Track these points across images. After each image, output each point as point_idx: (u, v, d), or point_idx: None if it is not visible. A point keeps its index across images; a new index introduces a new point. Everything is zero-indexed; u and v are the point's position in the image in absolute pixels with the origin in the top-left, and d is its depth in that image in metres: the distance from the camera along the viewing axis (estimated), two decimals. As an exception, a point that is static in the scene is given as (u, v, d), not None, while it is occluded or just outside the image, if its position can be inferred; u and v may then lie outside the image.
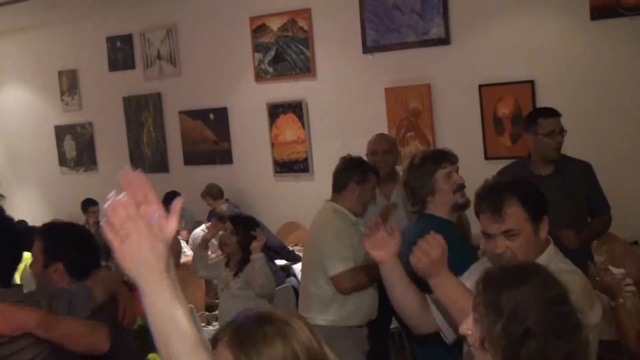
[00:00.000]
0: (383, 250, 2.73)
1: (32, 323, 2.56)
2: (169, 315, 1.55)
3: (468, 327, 1.98)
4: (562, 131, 4.68)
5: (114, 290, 3.04)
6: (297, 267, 6.92)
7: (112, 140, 10.47)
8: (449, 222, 3.56)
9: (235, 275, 5.05)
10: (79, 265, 3.05)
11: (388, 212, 4.63)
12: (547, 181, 4.69)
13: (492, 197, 2.60)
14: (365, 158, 5.02)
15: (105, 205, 1.58)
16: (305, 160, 8.51)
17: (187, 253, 7.43)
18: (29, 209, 10.73)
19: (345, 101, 8.13)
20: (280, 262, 7.06)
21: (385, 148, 5.25)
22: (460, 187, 3.55)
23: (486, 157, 7.16)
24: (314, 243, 4.45)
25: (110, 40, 10.22)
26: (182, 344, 1.55)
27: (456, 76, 7.34)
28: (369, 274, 4.17)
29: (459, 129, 7.39)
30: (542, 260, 2.51)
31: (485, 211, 2.59)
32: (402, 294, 2.79)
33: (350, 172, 4.38)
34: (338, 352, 4.12)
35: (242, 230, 5.08)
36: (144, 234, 1.55)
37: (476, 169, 2.90)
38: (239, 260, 5.06)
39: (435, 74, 7.48)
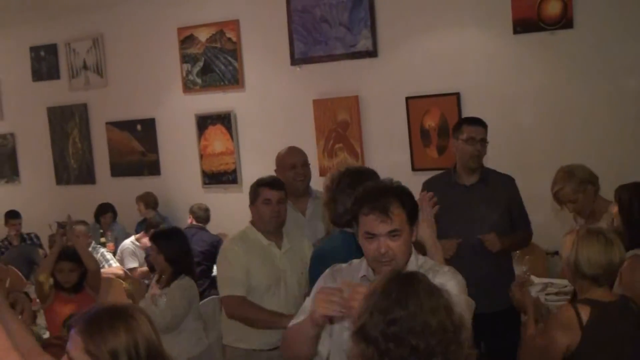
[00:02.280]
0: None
1: None
2: None
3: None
4: (482, 141, 4.75)
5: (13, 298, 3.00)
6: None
7: (35, 151, 10.26)
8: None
9: (164, 287, 4.96)
10: None
11: None
12: (471, 190, 4.79)
13: (378, 198, 2.69)
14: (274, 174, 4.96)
15: None
16: (234, 171, 8.49)
17: (113, 265, 7.34)
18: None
19: (274, 113, 8.15)
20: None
21: (304, 160, 5.14)
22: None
23: (413, 169, 7.25)
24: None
25: (34, 49, 10.04)
26: None
27: (384, 88, 7.43)
28: (260, 316, 4.19)
29: (386, 140, 7.47)
30: (413, 260, 2.78)
31: (373, 212, 2.67)
32: (312, 349, 2.70)
33: (249, 197, 4.43)
34: None
35: (165, 246, 5.01)
36: None
37: (403, 180, 2.94)
38: (169, 276, 4.99)
39: (363, 86, 7.55)
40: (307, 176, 5.11)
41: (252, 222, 4.41)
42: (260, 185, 4.37)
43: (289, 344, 2.78)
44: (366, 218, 2.69)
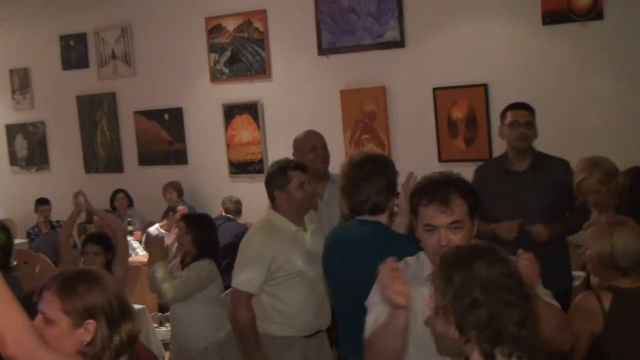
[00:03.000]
0: (402, 295, 2.41)
1: None
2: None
3: (428, 300, 2.19)
4: (528, 124, 4.71)
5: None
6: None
7: (65, 140, 10.35)
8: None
9: (184, 268, 5.00)
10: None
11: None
12: (522, 177, 4.73)
13: (439, 189, 2.63)
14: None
15: None
16: (261, 161, 8.51)
17: (140, 253, 7.40)
18: (-21, 209, 10.57)
19: (301, 103, 8.15)
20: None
21: (323, 144, 5.09)
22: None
23: (440, 160, 7.22)
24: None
25: (64, 38, 10.11)
26: (2, 306, 2.01)
27: (411, 79, 7.40)
28: (245, 332, 4.09)
29: (413, 131, 7.45)
30: None
31: (432, 202, 2.61)
32: (403, 342, 2.55)
33: (270, 181, 4.19)
34: None
35: (195, 228, 5.04)
36: None
37: (430, 171, 2.93)
38: (192, 258, 5.02)
39: (390, 76, 7.53)
40: (327, 158, 5.05)
41: (276, 208, 4.19)
42: (292, 168, 4.16)
43: (379, 344, 2.61)
44: (426, 209, 2.63)
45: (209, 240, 5.09)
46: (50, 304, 2.17)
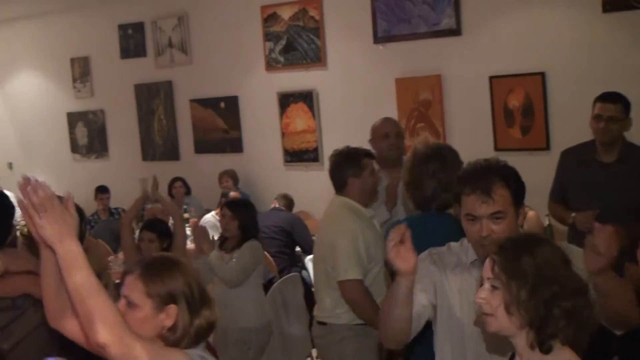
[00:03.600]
0: (406, 261, 2.45)
1: None
2: (80, 268, 2.05)
3: (482, 296, 2.10)
4: (611, 119, 4.58)
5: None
6: (309, 257, 6.96)
7: (123, 128, 10.51)
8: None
9: (231, 251, 5.07)
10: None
11: (392, 191, 4.56)
12: (607, 169, 4.61)
13: (481, 178, 2.58)
14: (369, 145, 4.94)
15: (27, 188, 2.10)
16: (315, 149, 8.53)
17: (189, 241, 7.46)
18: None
19: (356, 91, 8.14)
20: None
21: (398, 131, 5.08)
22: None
23: (496, 149, 7.15)
24: (327, 241, 4.15)
25: (122, 27, 10.25)
26: (91, 290, 2.04)
27: (467, 67, 7.33)
28: (372, 310, 3.91)
29: (469, 120, 7.38)
30: None
31: (474, 192, 2.57)
32: (406, 312, 2.56)
33: (343, 167, 4.16)
34: (356, 350, 4.07)
35: (240, 214, 5.11)
36: (58, 210, 2.07)
37: (485, 161, 2.92)
38: (237, 242, 5.09)
39: (445, 65, 7.47)
40: (399, 146, 5.01)
41: (346, 195, 4.14)
42: (365, 156, 4.18)
43: (384, 314, 2.62)
44: (467, 199, 2.59)
45: (253, 223, 5.19)
46: (134, 288, 2.23)
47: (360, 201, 4.16)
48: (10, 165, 12.11)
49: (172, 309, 2.21)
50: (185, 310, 2.22)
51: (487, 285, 2.10)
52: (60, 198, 2.14)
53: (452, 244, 2.81)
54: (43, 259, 2.23)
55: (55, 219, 2.06)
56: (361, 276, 3.99)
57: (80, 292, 2.05)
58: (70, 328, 2.31)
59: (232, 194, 7.90)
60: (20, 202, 2.12)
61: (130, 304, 2.23)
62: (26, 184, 2.12)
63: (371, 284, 4.04)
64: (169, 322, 2.21)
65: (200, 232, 5.23)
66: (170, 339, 2.21)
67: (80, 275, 2.05)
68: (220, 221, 5.38)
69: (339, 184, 4.18)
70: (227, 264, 4.95)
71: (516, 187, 2.62)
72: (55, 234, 2.06)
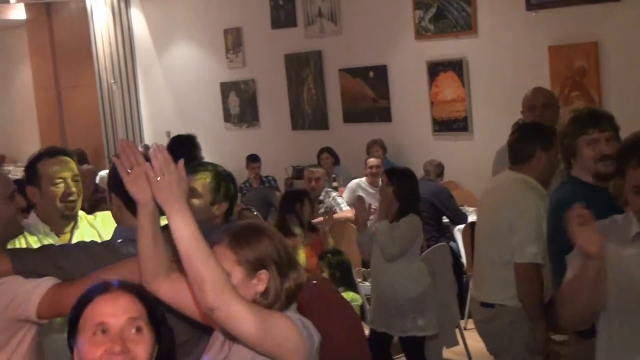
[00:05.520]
0: (593, 243, 2.38)
1: None
2: (191, 232, 2.12)
3: None
4: None
5: None
6: (459, 228, 6.92)
7: (273, 97, 10.73)
8: (593, 188, 3.38)
9: (391, 223, 5.05)
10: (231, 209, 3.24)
11: None
12: None
13: None
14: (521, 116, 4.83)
15: (150, 151, 2.18)
16: (465, 119, 8.42)
17: (344, 208, 7.56)
18: (196, 163, 11.20)
19: (507, 59, 7.95)
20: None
21: (544, 102, 4.92)
22: (604, 157, 3.33)
23: (656, 119, 6.83)
24: (501, 221, 3.94)
25: (274, -3, 10.43)
26: (201, 254, 2.11)
27: (626, 34, 7.01)
28: (537, 300, 3.78)
29: (627, 89, 7.07)
30: None
31: None
32: (595, 296, 2.51)
33: (534, 139, 3.93)
34: (527, 333, 3.94)
35: (397, 181, 5.06)
36: (175, 174, 2.15)
37: (644, 134, 2.80)
38: (396, 212, 5.06)
39: (602, 31, 7.17)
40: (547, 119, 4.74)
41: (523, 169, 3.94)
42: (553, 132, 3.94)
43: (569, 298, 2.57)
44: (634, 172, 2.52)
45: (411, 194, 5.09)
46: (224, 257, 2.25)
47: (539, 178, 3.95)
48: (168, 134, 12.63)
49: (264, 274, 2.25)
50: (276, 274, 2.26)
51: None
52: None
53: (617, 216, 2.74)
54: (140, 219, 2.29)
55: (171, 182, 2.13)
56: (541, 260, 3.80)
57: (190, 256, 2.11)
58: (164, 291, 2.36)
59: (370, 160, 8.12)
60: (118, 164, 2.23)
61: None
62: (124, 146, 2.25)
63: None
64: (261, 287, 2.25)
65: (359, 204, 5.15)
66: (263, 303, 2.23)
67: (190, 239, 2.12)
68: (379, 189, 5.38)
69: (523, 155, 3.95)
70: (388, 235, 4.95)
71: None
72: (171, 197, 2.13)
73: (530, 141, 3.93)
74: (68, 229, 3.42)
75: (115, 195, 2.82)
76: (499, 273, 3.94)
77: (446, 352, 5.71)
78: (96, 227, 3.46)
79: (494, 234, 4.01)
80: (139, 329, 2.01)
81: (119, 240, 2.73)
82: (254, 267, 2.25)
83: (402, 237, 4.90)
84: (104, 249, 2.67)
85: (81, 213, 3.49)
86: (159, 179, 2.14)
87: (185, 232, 2.12)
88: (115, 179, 2.72)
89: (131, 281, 2.18)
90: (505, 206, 3.97)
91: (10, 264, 2.56)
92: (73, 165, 3.41)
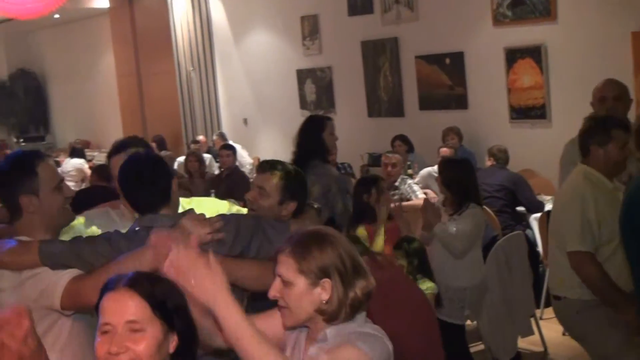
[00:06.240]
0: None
1: None
2: (236, 320, 2.10)
3: None
4: None
5: None
6: (535, 216, 6.85)
7: (349, 84, 10.75)
8: None
9: (452, 215, 5.03)
10: (300, 208, 3.25)
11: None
12: None
13: None
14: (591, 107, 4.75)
15: (171, 258, 2.17)
16: (543, 106, 8.29)
17: (420, 196, 7.55)
18: (272, 150, 11.34)
19: (587, 46, 7.80)
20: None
21: (616, 94, 4.82)
22: None
23: None
24: (559, 209, 4.07)
25: (351, -15, 10.44)
26: (250, 339, 2.09)
27: None
28: (607, 287, 3.79)
29: None
30: None
31: None
32: None
33: (589, 133, 3.97)
34: (599, 322, 3.91)
35: (442, 171, 5.07)
36: (203, 270, 2.12)
37: None
38: (452, 204, 5.03)
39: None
40: (618, 111, 4.66)
41: (589, 163, 3.96)
42: (615, 126, 3.92)
43: None
44: None
45: (461, 184, 5.02)
46: (286, 266, 2.25)
47: (604, 171, 3.96)
48: (245, 122, 12.81)
49: (327, 282, 2.24)
50: (339, 283, 2.24)
51: None
52: None
53: None
54: (220, 314, 2.20)
55: (204, 278, 2.12)
56: (589, 248, 3.84)
57: (241, 341, 2.11)
58: None
59: (443, 150, 8.04)
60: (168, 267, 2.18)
61: (285, 282, 2.27)
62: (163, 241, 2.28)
63: (604, 261, 3.86)
64: (325, 296, 2.24)
65: (429, 207, 5.14)
66: (328, 311, 2.24)
67: (237, 328, 2.11)
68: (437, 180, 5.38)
69: (583, 149, 4.03)
70: (448, 230, 4.92)
71: None
72: (210, 295, 2.11)
73: (586, 136, 3.99)
74: None
75: (124, 199, 2.95)
76: (561, 264, 3.99)
77: (521, 342, 5.68)
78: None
79: (555, 228, 4.09)
80: (137, 330, 2.05)
81: (137, 229, 2.81)
82: (317, 276, 2.24)
83: (464, 233, 4.88)
84: (124, 240, 2.73)
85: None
86: (192, 282, 2.13)
87: (231, 321, 2.11)
88: (120, 183, 2.89)
89: (143, 273, 2.19)
90: (560, 196, 4.10)
91: (38, 256, 2.66)
92: None
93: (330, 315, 2.25)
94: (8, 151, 12.97)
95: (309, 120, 5.61)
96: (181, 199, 3.55)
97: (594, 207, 3.84)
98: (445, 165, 5.20)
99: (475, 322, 5.52)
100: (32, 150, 3.06)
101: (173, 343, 2.11)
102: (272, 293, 2.28)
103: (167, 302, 2.11)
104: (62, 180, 2.90)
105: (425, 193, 7.57)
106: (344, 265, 2.25)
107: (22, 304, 2.59)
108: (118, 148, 3.30)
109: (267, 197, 3.18)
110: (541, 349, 5.86)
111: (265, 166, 3.26)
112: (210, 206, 3.36)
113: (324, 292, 2.24)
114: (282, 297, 2.26)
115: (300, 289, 2.24)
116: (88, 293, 2.52)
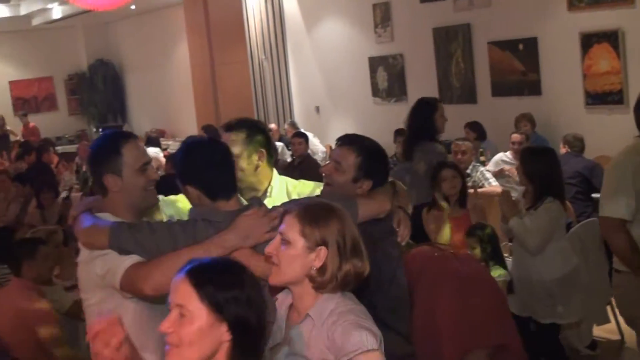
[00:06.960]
0: None
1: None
2: None
3: None
4: None
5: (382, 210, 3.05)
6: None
7: (421, 71, 10.73)
8: None
9: (528, 210, 4.93)
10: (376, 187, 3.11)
11: None
12: None
13: None
14: None
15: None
16: (620, 91, 8.14)
17: (492, 183, 7.51)
18: (344, 137, 11.39)
19: (667, 29, 7.63)
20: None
21: None
22: None
23: None
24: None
25: (426, -29, 10.39)
26: None
27: None
28: (631, 257, 3.73)
29: None
30: None
31: None
32: None
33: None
34: None
35: (526, 161, 4.91)
36: None
37: None
38: (534, 195, 4.90)
39: None
40: None
41: None
42: None
43: None
44: None
45: (545, 175, 4.87)
46: (290, 226, 2.31)
47: None
48: (317, 110, 12.90)
49: (323, 250, 2.28)
50: (336, 254, 2.29)
51: None
52: None
53: None
54: None
55: None
56: (621, 215, 3.74)
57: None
58: None
59: (515, 136, 8.05)
60: None
61: (284, 241, 2.32)
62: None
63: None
64: (317, 263, 2.29)
65: (504, 198, 5.04)
66: (318, 279, 2.29)
67: None
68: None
69: (637, 123, 3.92)
70: (524, 224, 4.81)
71: None
72: None
73: (636, 111, 3.90)
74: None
75: (191, 187, 2.80)
76: None
77: (597, 330, 5.63)
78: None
79: None
80: (183, 315, 2.07)
81: (195, 220, 2.78)
82: (315, 243, 2.29)
83: (540, 229, 4.77)
84: (182, 230, 2.72)
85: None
86: None
87: None
88: (188, 169, 2.79)
89: (205, 262, 2.18)
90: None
91: (108, 240, 2.72)
92: None
93: (320, 284, 2.30)
94: (86, 142, 13.35)
95: (421, 102, 5.61)
96: (279, 179, 3.36)
97: (633, 177, 3.74)
98: (530, 155, 4.99)
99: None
100: (121, 130, 3.14)
101: (225, 335, 2.09)
102: (269, 249, 2.35)
103: (220, 292, 2.07)
104: (148, 162, 2.92)
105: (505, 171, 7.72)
106: (344, 241, 2.30)
107: (90, 279, 2.77)
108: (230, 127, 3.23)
109: (342, 173, 3.06)
110: (618, 337, 5.78)
111: (345, 140, 3.12)
112: (302, 188, 3.32)
113: (317, 260, 2.29)
114: (277, 254, 2.33)
115: (297, 250, 2.30)
116: (142, 281, 2.63)
